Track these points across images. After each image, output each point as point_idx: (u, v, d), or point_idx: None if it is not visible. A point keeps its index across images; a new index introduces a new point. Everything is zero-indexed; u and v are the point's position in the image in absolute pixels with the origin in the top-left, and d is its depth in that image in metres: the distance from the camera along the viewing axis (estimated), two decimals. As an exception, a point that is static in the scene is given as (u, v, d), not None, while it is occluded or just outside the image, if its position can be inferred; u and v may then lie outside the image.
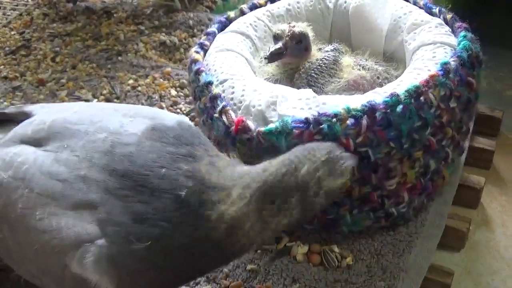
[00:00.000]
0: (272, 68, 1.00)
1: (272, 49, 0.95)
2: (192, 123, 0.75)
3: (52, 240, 0.64)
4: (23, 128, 0.75)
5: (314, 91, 0.87)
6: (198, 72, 0.93)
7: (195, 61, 0.95)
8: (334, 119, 0.80)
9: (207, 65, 0.96)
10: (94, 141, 0.68)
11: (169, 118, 0.72)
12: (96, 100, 1.27)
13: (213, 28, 1.06)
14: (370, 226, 0.91)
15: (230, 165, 0.68)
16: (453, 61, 0.88)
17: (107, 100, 1.27)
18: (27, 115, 0.79)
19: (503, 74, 1.84)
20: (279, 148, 0.79)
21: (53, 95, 1.29)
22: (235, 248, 0.65)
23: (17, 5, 1.70)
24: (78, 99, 1.27)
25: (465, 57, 0.89)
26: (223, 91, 0.90)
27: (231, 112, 0.86)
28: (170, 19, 1.56)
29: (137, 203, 0.63)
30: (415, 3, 1.05)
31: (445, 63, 0.87)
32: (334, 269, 0.87)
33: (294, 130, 0.80)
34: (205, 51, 1.00)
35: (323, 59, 0.96)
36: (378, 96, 0.84)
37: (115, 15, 1.61)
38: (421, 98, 0.83)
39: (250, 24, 1.05)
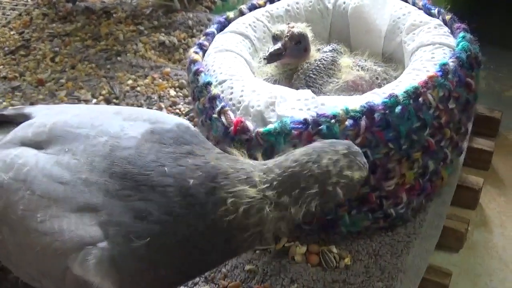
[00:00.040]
0: (271, 68, 1.00)
1: (271, 50, 0.95)
2: (191, 124, 0.75)
3: (54, 242, 0.64)
4: (23, 130, 0.75)
5: (312, 92, 0.87)
6: (197, 73, 0.93)
7: (194, 62, 0.96)
8: (333, 120, 0.80)
9: (206, 65, 0.96)
10: (95, 144, 0.68)
11: (168, 121, 0.73)
12: (95, 100, 1.28)
13: (212, 28, 1.06)
14: (368, 226, 0.91)
15: (242, 156, 0.69)
16: (452, 62, 0.88)
17: (106, 100, 1.27)
18: (26, 117, 0.79)
19: (502, 74, 1.84)
20: (278, 149, 0.79)
21: (52, 95, 1.29)
22: (247, 235, 0.65)
23: (16, 5, 1.70)
24: (77, 99, 1.28)
25: (464, 58, 0.89)
26: (222, 91, 0.90)
27: (230, 112, 0.86)
28: (170, 19, 1.57)
29: (138, 201, 0.64)
30: (414, 4, 1.05)
31: (444, 64, 0.87)
32: (332, 269, 0.87)
33: (293, 131, 0.80)
34: (204, 52, 1.00)
35: (321, 60, 0.96)
36: (377, 97, 0.84)
37: (114, 15, 1.61)
38: (420, 99, 0.83)
39: (249, 25, 1.05)
